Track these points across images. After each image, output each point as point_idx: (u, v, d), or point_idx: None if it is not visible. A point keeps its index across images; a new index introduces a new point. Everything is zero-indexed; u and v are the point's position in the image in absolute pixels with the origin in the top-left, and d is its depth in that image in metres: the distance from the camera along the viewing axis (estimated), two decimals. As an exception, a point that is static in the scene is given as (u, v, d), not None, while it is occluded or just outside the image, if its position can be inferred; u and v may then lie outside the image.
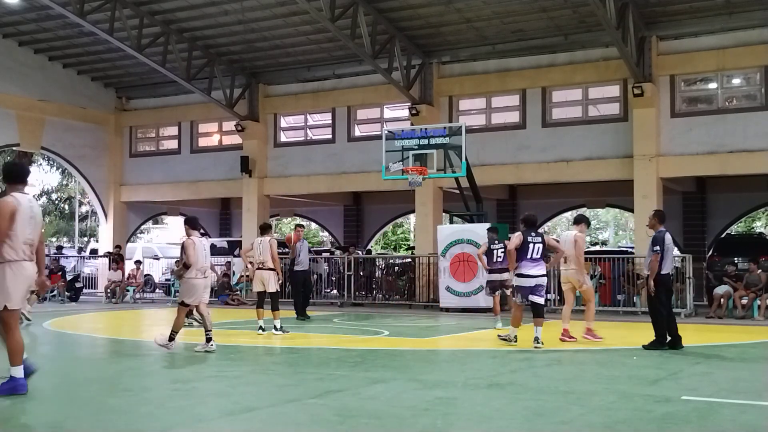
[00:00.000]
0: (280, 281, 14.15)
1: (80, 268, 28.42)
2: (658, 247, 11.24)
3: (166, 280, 25.58)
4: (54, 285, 24.12)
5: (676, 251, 18.86)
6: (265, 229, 14.36)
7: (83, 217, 53.40)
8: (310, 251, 17.42)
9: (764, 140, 19.34)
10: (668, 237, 11.50)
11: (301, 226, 18.50)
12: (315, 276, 21.88)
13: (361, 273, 23.00)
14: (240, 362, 10.51)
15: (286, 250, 18.48)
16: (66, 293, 24.08)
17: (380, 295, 23.43)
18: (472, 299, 19.02)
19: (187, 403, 7.44)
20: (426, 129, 19.56)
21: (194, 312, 16.22)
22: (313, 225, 41.61)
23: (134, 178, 28.62)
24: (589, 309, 12.77)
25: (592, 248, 38.82)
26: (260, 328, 13.50)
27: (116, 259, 25.55)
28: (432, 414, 6.87)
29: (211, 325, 11.13)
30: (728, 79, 20.71)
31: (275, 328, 13.42)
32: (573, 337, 12.30)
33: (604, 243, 51.58)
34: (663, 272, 11.37)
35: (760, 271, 17.76)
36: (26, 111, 25.71)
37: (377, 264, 24.70)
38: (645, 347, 11.35)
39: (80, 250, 37.52)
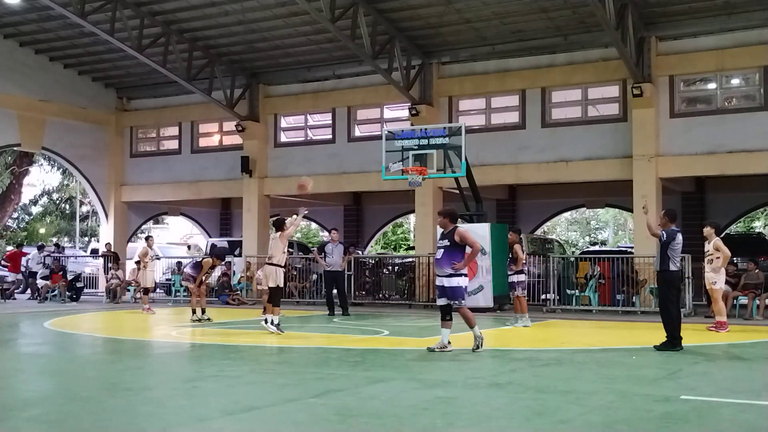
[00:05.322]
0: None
1: (73, 268, 28.32)
2: (664, 235, 11.10)
3: (167, 280, 25.61)
4: (55, 285, 24.19)
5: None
6: (276, 225, 14.92)
7: (84, 217, 53.45)
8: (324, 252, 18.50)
9: (763, 140, 19.36)
10: (680, 237, 11.32)
11: (335, 229, 19.30)
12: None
13: (366, 273, 23.02)
14: (240, 362, 10.52)
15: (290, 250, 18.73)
16: (67, 293, 24.07)
17: (380, 295, 23.45)
18: (471, 299, 18.85)
19: (187, 403, 7.46)
20: (426, 129, 19.55)
21: (196, 312, 16.42)
22: (313, 225, 41.68)
23: (135, 178, 28.65)
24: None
25: (592, 248, 39.05)
26: (265, 320, 13.66)
27: (115, 258, 25.58)
28: (432, 414, 6.88)
29: None
30: (727, 80, 20.74)
31: (271, 322, 13.46)
32: None
33: (603, 243, 51.58)
34: (672, 269, 11.25)
35: (757, 270, 17.75)
36: (27, 111, 25.73)
37: (376, 263, 24.71)
38: (657, 348, 11.08)
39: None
